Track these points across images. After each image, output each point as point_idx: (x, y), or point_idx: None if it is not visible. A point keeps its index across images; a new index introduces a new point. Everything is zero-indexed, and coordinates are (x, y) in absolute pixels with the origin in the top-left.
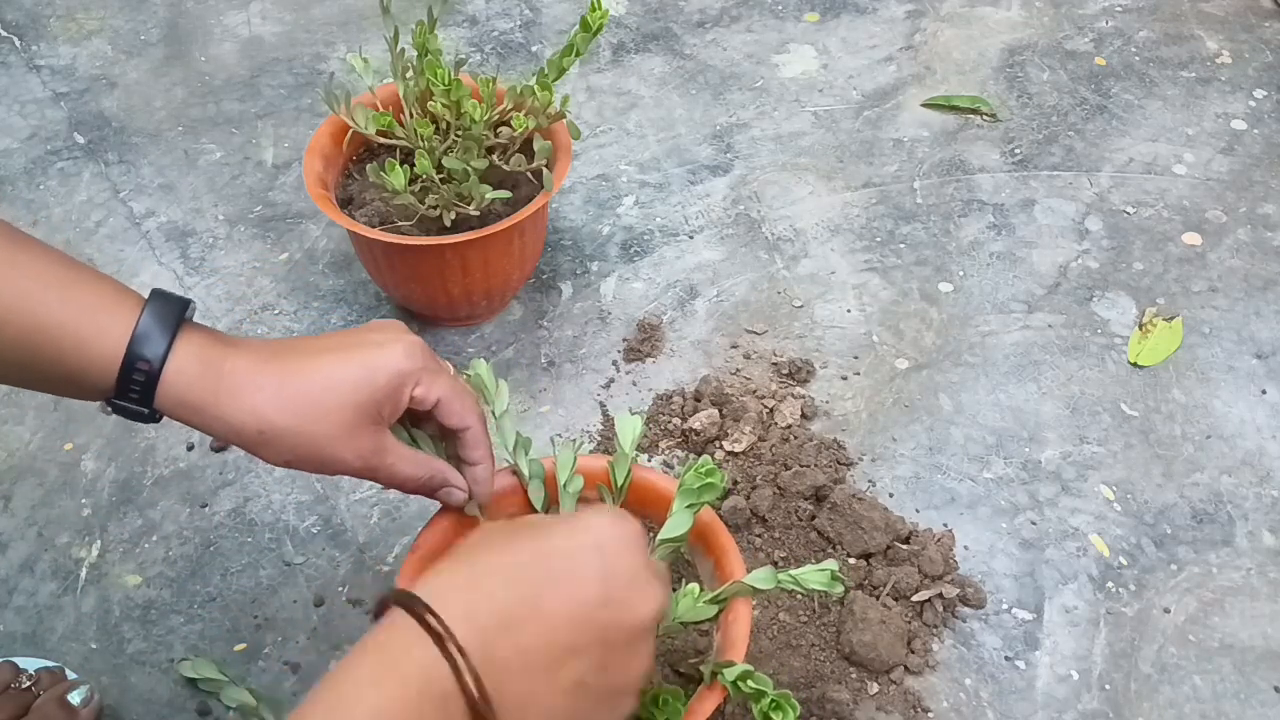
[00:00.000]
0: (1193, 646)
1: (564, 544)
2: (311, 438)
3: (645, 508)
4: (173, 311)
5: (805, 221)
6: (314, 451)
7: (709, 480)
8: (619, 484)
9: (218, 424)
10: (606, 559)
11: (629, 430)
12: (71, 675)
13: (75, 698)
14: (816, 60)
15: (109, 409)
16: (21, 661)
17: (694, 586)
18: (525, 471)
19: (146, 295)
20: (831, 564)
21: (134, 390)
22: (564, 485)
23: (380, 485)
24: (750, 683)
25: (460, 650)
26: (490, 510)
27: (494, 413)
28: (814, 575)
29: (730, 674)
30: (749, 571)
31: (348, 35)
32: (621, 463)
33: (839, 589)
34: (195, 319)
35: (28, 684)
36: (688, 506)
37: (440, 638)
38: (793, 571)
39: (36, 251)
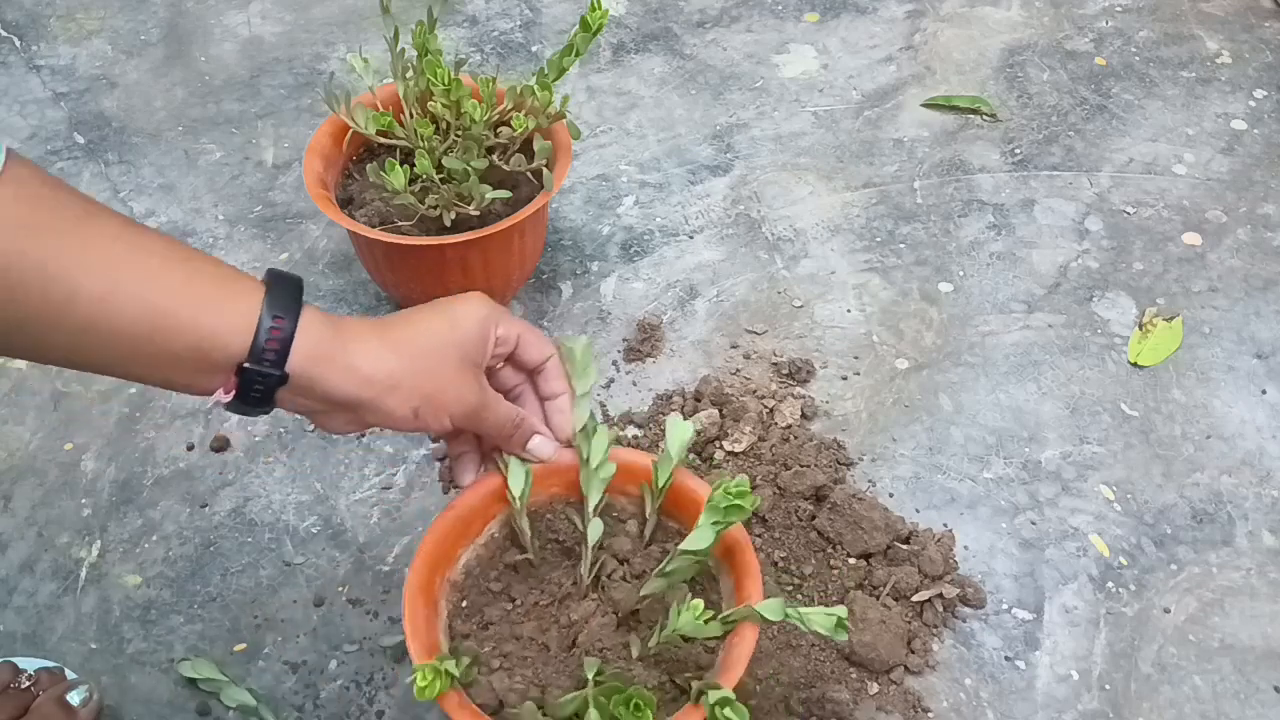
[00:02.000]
0: (1193, 646)
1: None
2: (430, 379)
3: (682, 512)
4: (294, 284)
5: (805, 221)
6: (434, 393)
7: (738, 502)
8: (660, 486)
9: (349, 375)
10: None
11: (679, 435)
12: (71, 675)
13: (75, 698)
14: (816, 60)
15: (225, 399)
16: (21, 661)
17: (698, 603)
18: (584, 454)
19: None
20: (841, 610)
21: (268, 354)
22: (595, 469)
23: (479, 434)
24: (728, 711)
25: None
26: (535, 483)
27: (577, 390)
28: (821, 618)
29: (712, 698)
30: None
31: (348, 35)
32: (665, 465)
33: (843, 636)
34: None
35: (27, 684)
36: (713, 523)
37: None
38: (801, 610)
39: (153, 234)
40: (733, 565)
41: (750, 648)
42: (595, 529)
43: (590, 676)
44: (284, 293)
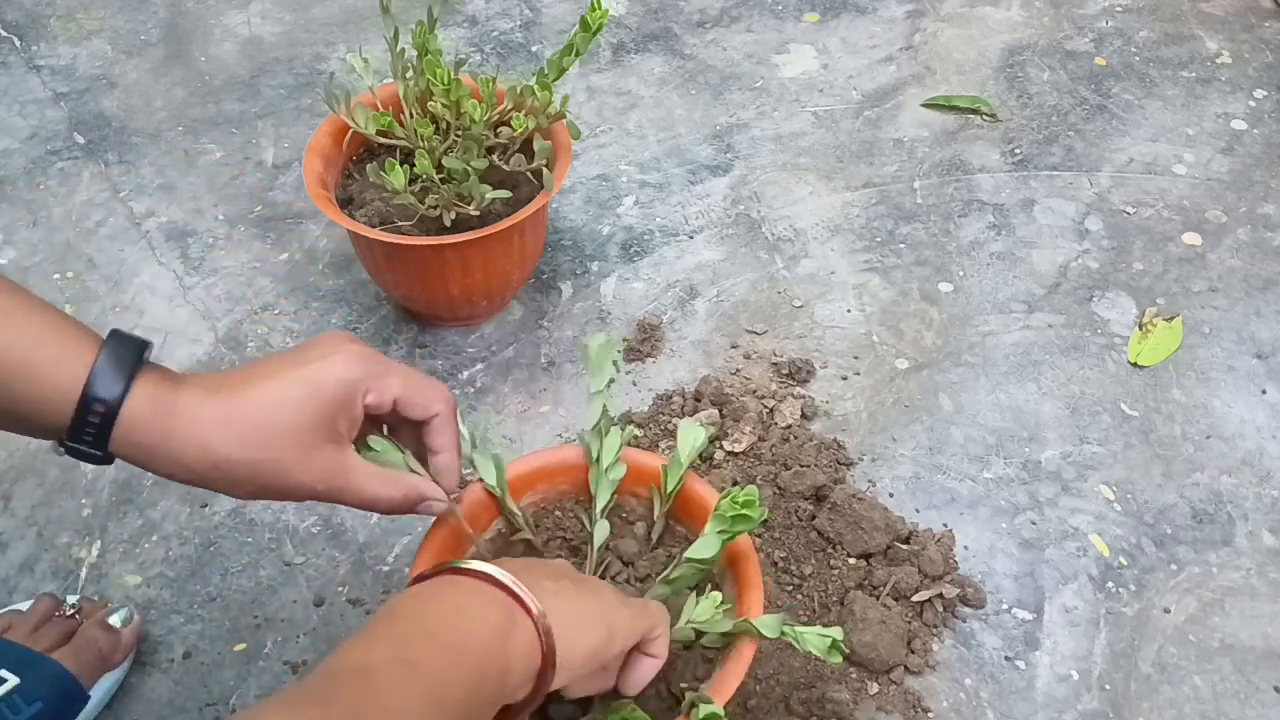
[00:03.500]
0: (1193, 646)
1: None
2: (267, 465)
3: (691, 517)
4: (130, 352)
5: (805, 221)
6: (274, 479)
7: (744, 511)
8: (668, 490)
9: (170, 465)
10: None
11: (689, 440)
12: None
13: (116, 620)
14: (816, 60)
15: (61, 449)
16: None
17: (718, 595)
18: (594, 453)
19: (105, 335)
20: (836, 632)
21: (88, 433)
22: (605, 470)
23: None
24: None
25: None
26: (543, 480)
27: (591, 388)
28: (815, 639)
29: (701, 711)
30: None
31: (348, 35)
32: (675, 470)
33: (837, 659)
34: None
35: (71, 612)
36: (719, 532)
37: (515, 594)
38: (798, 629)
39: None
40: (736, 576)
41: (747, 664)
42: (602, 530)
43: None
44: (114, 363)
